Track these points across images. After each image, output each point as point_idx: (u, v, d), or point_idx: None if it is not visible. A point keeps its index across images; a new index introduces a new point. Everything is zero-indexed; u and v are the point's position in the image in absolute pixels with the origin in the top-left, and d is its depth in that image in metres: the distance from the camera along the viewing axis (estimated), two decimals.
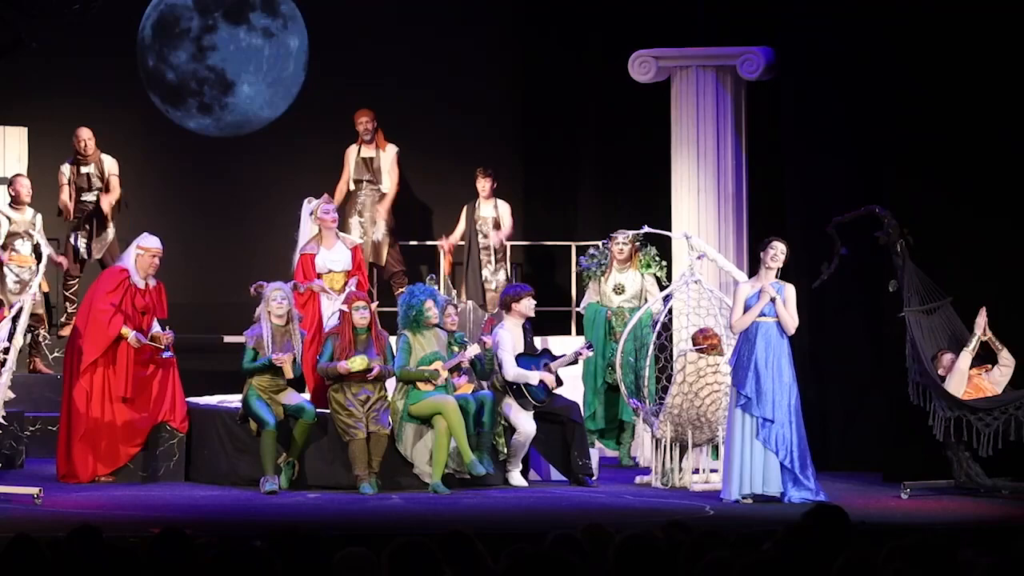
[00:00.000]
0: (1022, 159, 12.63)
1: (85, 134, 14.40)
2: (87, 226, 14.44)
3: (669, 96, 14.26)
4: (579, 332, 14.13)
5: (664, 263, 13.78)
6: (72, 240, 14.44)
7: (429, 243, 15.30)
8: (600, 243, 13.96)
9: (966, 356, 11.79)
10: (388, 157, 14.78)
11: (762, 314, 11.32)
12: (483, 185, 14.66)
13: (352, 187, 14.79)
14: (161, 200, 15.19)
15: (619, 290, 13.72)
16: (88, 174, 14.45)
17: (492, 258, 14.62)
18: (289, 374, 11.89)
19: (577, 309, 14.19)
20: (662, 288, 13.54)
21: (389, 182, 14.74)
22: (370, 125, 14.73)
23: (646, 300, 13.59)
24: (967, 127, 12.71)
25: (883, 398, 12.73)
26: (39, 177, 14.58)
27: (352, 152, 14.82)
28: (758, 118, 14.16)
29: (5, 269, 14.06)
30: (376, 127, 14.76)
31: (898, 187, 12.81)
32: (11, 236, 14.12)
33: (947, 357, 11.89)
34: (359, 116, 14.77)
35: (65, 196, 14.37)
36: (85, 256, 14.43)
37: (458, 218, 14.83)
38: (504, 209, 14.68)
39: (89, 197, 14.45)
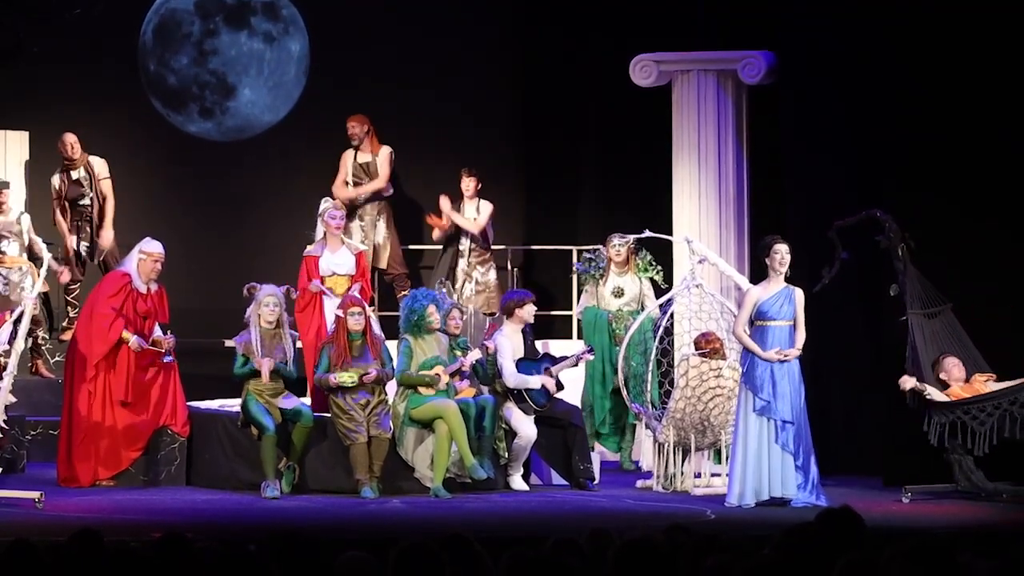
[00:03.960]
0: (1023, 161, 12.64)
1: (70, 138, 14.32)
2: (87, 229, 14.43)
3: (670, 100, 14.26)
4: (580, 336, 14.12)
5: (660, 267, 13.76)
6: (73, 244, 14.45)
7: (428, 247, 15.30)
8: (594, 247, 13.94)
9: (930, 391, 11.77)
10: (382, 158, 14.80)
11: (774, 318, 11.29)
12: (467, 185, 14.66)
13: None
14: (162, 205, 15.19)
15: (618, 293, 13.71)
16: (78, 179, 14.44)
17: (481, 257, 14.60)
18: (265, 379, 11.86)
19: (574, 314, 14.13)
20: (658, 291, 13.54)
21: (384, 181, 14.79)
22: (358, 130, 14.75)
23: (643, 304, 13.59)
24: (968, 129, 12.71)
25: (884, 402, 12.71)
26: (40, 180, 14.60)
27: (349, 156, 14.83)
28: (759, 122, 14.16)
29: None
30: (368, 131, 14.77)
31: (898, 190, 12.80)
32: None
33: (948, 361, 11.88)
34: (348, 122, 14.80)
35: (57, 214, 14.36)
36: (87, 259, 14.42)
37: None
38: (485, 208, 14.64)
39: (85, 202, 14.44)
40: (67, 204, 14.37)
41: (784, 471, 11.22)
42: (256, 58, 15.76)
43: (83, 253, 14.43)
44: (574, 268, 14.09)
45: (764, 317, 11.30)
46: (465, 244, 14.62)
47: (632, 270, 13.73)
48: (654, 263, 13.75)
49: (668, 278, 13.76)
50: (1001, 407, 11.51)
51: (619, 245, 13.65)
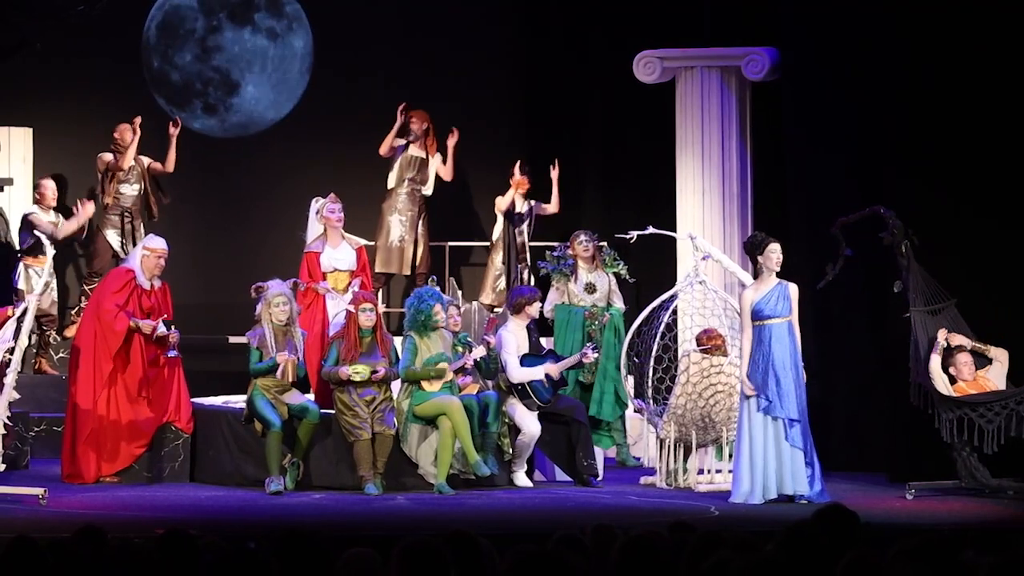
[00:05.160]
0: None
1: (131, 125, 14.43)
2: (126, 222, 14.40)
3: (674, 97, 14.26)
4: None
5: (624, 264, 13.72)
6: (105, 235, 14.44)
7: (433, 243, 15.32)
8: (561, 244, 13.91)
9: (935, 358, 11.77)
10: (436, 164, 14.87)
11: (771, 316, 11.28)
12: (523, 181, 14.73)
13: (393, 184, 14.82)
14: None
15: (591, 289, 13.67)
16: (130, 167, 14.47)
17: (522, 255, 14.73)
18: (291, 377, 11.89)
19: (545, 312, 13.96)
20: (623, 286, 13.54)
21: (431, 186, 14.88)
22: (416, 127, 14.81)
23: (610, 300, 13.57)
24: (972, 128, 12.70)
25: (888, 399, 12.72)
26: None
27: (399, 142, 14.83)
28: (763, 119, 14.16)
29: (31, 270, 14.10)
30: (428, 130, 14.82)
31: (902, 188, 12.79)
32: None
33: (960, 357, 11.88)
34: (410, 116, 14.84)
35: (102, 182, 14.38)
36: (120, 253, 14.31)
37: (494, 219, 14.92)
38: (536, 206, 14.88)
39: (128, 191, 14.45)
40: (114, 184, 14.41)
41: (795, 468, 11.20)
42: (260, 55, 15.77)
43: (115, 246, 14.39)
44: (540, 267, 14.03)
45: (761, 316, 11.27)
46: (520, 239, 14.70)
47: (600, 266, 13.72)
48: (618, 259, 13.74)
49: (671, 275, 13.76)
50: (1008, 407, 11.51)
51: (586, 242, 13.64)
